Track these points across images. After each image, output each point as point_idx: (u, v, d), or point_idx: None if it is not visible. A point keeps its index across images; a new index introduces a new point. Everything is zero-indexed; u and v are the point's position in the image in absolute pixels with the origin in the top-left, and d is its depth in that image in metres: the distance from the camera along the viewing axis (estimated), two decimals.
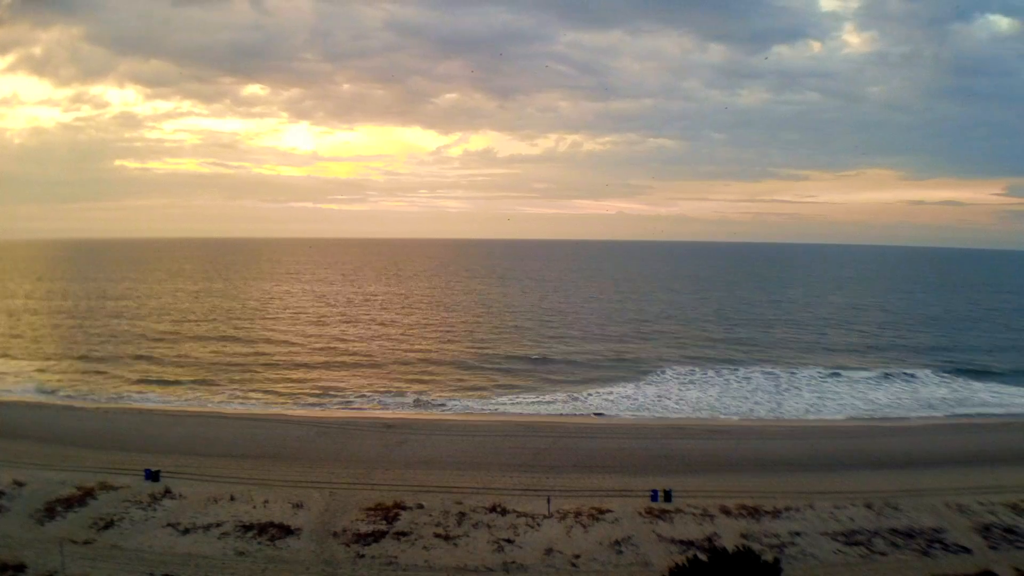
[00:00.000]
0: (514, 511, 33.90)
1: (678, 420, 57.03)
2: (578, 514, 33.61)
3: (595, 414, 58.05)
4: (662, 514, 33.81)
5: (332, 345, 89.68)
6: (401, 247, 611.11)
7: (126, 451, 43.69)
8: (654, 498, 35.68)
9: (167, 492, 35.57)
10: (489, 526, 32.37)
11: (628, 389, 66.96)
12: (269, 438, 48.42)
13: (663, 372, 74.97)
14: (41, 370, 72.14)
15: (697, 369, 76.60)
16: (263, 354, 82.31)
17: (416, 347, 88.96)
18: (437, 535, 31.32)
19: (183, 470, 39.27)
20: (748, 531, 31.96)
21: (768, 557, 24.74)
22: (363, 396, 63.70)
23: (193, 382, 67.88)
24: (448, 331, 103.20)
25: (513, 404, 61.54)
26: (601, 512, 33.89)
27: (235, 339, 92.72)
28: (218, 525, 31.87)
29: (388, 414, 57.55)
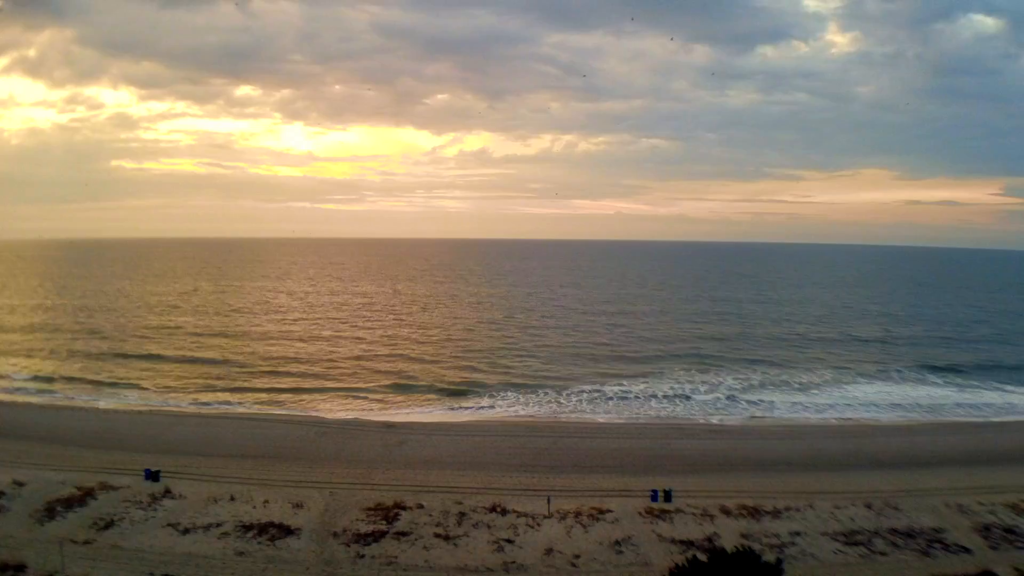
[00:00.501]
0: (514, 511, 33.90)
1: (678, 420, 57.06)
2: (578, 514, 33.61)
3: None
4: (662, 514, 33.81)
5: (331, 345, 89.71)
6: (399, 247, 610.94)
7: (126, 451, 43.69)
8: (654, 498, 35.68)
9: (167, 492, 35.57)
10: (489, 526, 32.37)
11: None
12: (269, 438, 48.43)
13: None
14: (40, 370, 72.09)
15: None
16: (263, 354, 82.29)
17: (415, 349, 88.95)
18: (437, 535, 31.32)
19: (183, 470, 39.27)
20: (748, 531, 31.96)
21: (768, 557, 24.74)
22: (363, 396, 63.69)
23: (193, 382, 67.83)
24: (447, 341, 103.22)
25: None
26: (601, 512, 33.89)
27: (235, 340, 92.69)
28: (218, 525, 31.86)
29: (388, 414, 57.58)
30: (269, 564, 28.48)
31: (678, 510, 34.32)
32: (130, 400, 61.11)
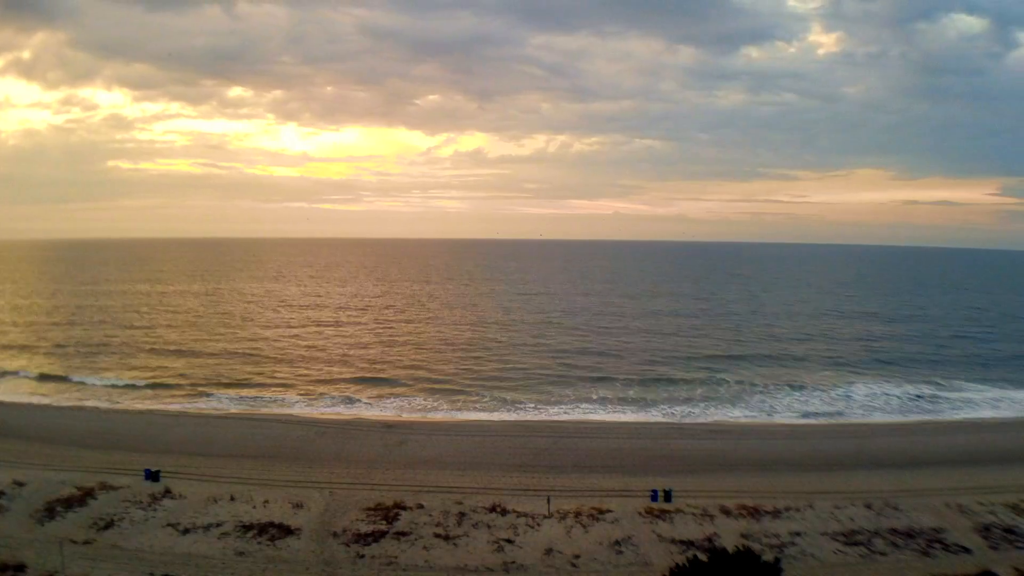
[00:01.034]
0: (514, 511, 33.90)
1: (678, 420, 57.04)
2: (578, 514, 33.62)
3: None
4: (662, 514, 33.81)
5: (332, 345, 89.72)
6: (402, 248, 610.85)
7: (126, 451, 43.71)
8: (654, 498, 35.69)
9: (167, 492, 35.58)
10: (489, 526, 32.37)
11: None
12: (269, 438, 48.44)
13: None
14: (41, 370, 72.09)
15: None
16: (262, 354, 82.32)
17: (417, 352, 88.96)
18: (437, 535, 31.32)
19: (183, 470, 39.28)
20: (748, 531, 31.97)
21: (768, 557, 24.74)
22: (360, 396, 63.68)
23: (193, 382, 67.84)
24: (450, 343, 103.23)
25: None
26: (601, 512, 33.89)
27: (235, 339, 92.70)
28: (218, 525, 31.87)
29: (388, 415, 57.59)
30: (269, 564, 28.47)
31: (678, 510, 34.32)
32: (130, 400, 61.09)
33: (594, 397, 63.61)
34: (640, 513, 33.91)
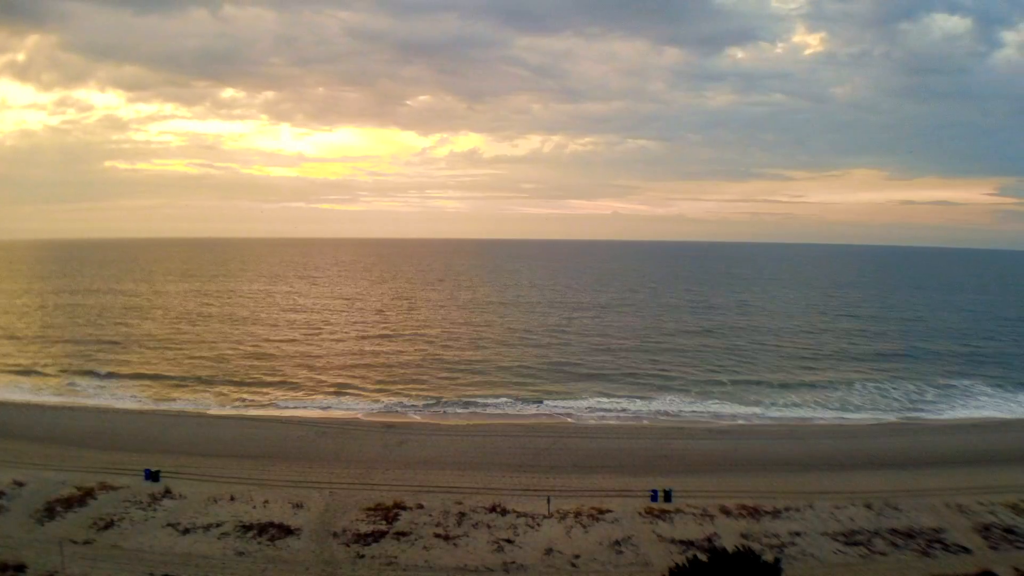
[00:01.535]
0: (514, 511, 33.90)
1: (678, 420, 57.03)
2: (578, 514, 33.62)
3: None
4: (662, 514, 33.81)
5: (332, 345, 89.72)
6: (397, 248, 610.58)
7: (126, 451, 43.72)
8: (654, 498, 35.69)
9: (167, 492, 35.58)
10: (489, 526, 32.37)
11: None
12: (269, 438, 48.44)
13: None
14: (40, 370, 72.12)
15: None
16: (263, 354, 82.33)
17: (416, 351, 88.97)
18: (437, 535, 31.33)
19: (183, 470, 39.28)
20: (748, 531, 31.97)
21: (768, 557, 24.73)
22: (360, 396, 63.68)
23: (193, 382, 67.86)
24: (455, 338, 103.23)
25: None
26: (601, 512, 33.89)
27: (235, 339, 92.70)
28: (218, 525, 31.87)
29: (388, 415, 57.58)
30: (269, 564, 28.47)
31: (678, 510, 34.32)
32: (129, 400, 61.11)
33: (594, 397, 63.64)
34: (640, 513, 33.91)
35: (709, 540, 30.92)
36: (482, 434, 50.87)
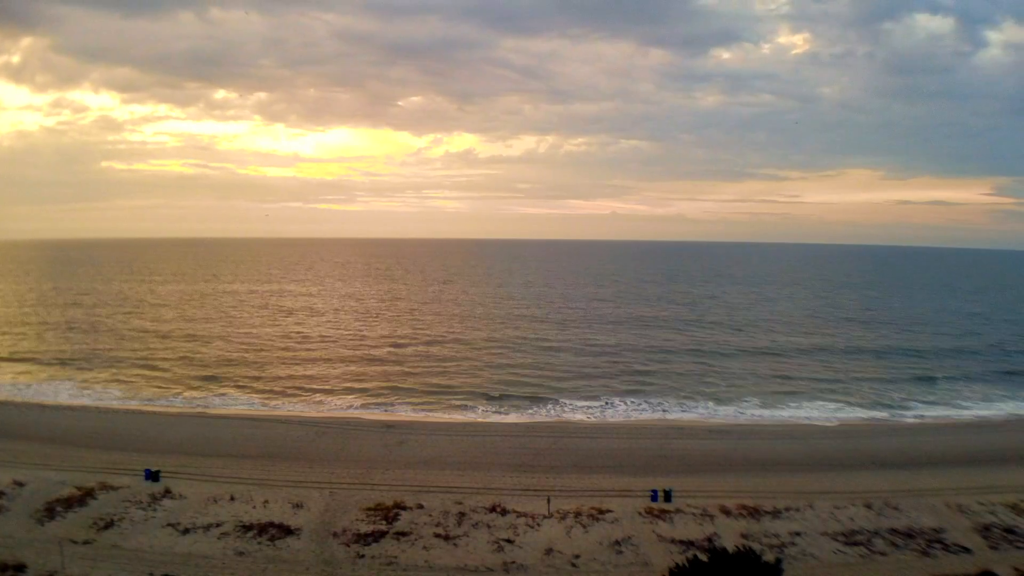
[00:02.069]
0: (514, 511, 33.90)
1: (678, 420, 57.02)
2: (578, 514, 33.61)
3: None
4: (662, 514, 33.81)
5: (332, 345, 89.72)
6: (396, 248, 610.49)
7: (126, 451, 43.71)
8: (654, 498, 35.69)
9: (167, 492, 35.57)
10: (489, 526, 32.37)
11: None
12: (269, 438, 48.43)
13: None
14: (40, 370, 72.14)
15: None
16: (262, 354, 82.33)
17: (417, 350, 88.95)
18: (437, 535, 31.33)
19: (183, 470, 39.27)
20: (748, 531, 31.97)
21: (768, 557, 24.73)
22: (360, 396, 63.67)
23: (193, 381, 67.86)
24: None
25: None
26: (601, 512, 33.89)
27: (235, 339, 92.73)
28: (218, 525, 31.87)
29: (388, 415, 57.59)
30: (269, 564, 28.48)
31: (678, 510, 34.32)
32: (129, 400, 61.08)
33: (593, 396, 63.63)
34: (640, 513, 33.90)
35: (709, 540, 30.92)
36: (482, 434, 50.87)
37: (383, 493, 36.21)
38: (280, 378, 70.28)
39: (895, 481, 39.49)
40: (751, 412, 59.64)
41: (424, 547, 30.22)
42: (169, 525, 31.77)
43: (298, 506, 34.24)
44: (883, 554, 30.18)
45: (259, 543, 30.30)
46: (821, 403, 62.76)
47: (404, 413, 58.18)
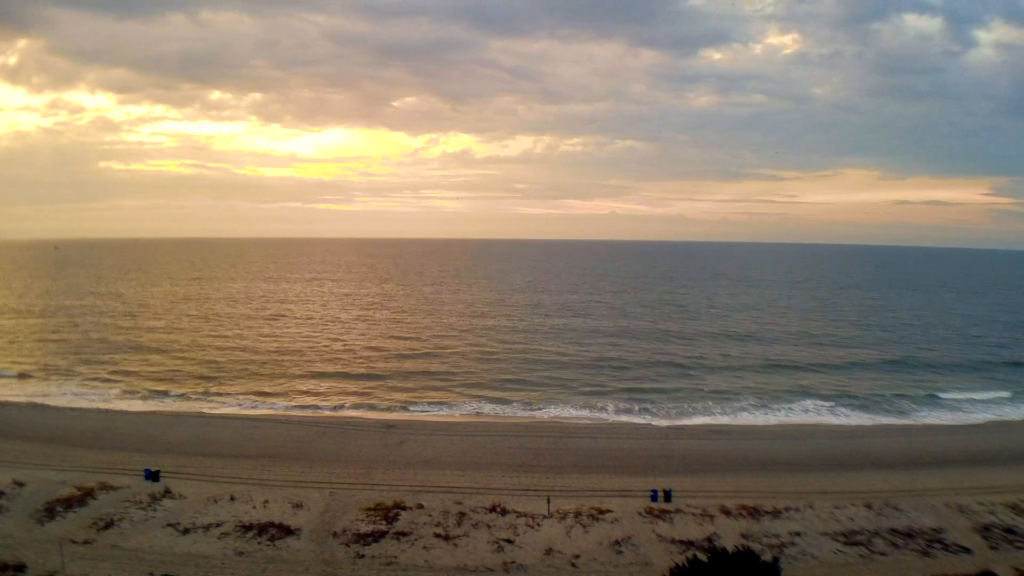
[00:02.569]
0: (514, 511, 33.90)
1: (678, 420, 56.98)
2: (578, 514, 33.62)
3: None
4: (662, 514, 33.81)
5: (332, 345, 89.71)
6: (394, 248, 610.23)
7: (126, 451, 43.72)
8: (654, 498, 35.70)
9: (167, 492, 35.58)
10: (489, 526, 32.37)
11: None
12: (269, 438, 48.43)
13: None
14: (40, 370, 72.13)
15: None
16: (262, 354, 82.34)
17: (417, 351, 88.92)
18: (437, 535, 31.33)
19: (183, 470, 39.28)
20: (748, 531, 31.98)
21: (768, 557, 24.74)
22: (360, 396, 63.67)
23: (193, 382, 67.86)
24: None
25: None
26: (601, 512, 33.89)
27: (235, 339, 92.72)
28: (218, 525, 31.87)
29: (388, 415, 57.58)
30: (269, 564, 28.48)
31: (678, 510, 34.33)
32: (129, 400, 61.06)
33: (593, 397, 63.63)
34: (640, 513, 33.91)
35: (709, 540, 30.93)
36: (482, 434, 50.87)
37: (383, 493, 36.22)
38: (280, 378, 70.26)
39: (895, 481, 39.50)
40: (751, 412, 59.65)
41: (424, 547, 30.23)
42: (169, 525, 31.77)
43: (298, 506, 34.24)
44: (883, 554, 30.18)
45: (259, 543, 30.30)
46: (821, 403, 62.73)
47: (404, 413, 58.18)
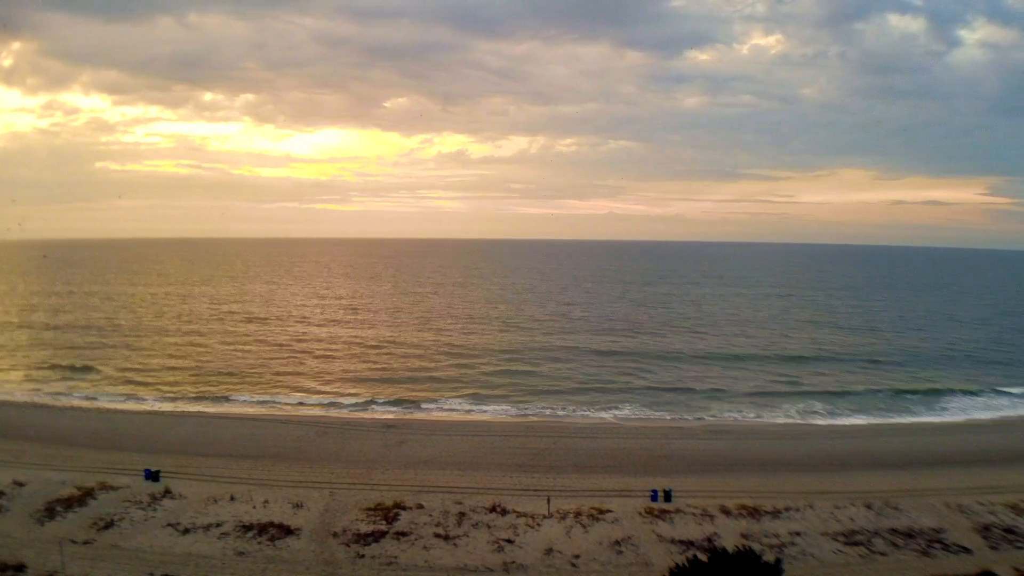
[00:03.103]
0: (514, 511, 33.90)
1: (678, 420, 57.02)
2: (578, 514, 33.61)
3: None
4: (662, 514, 33.81)
5: (332, 345, 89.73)
6: (393, 248, 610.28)
7: (126, 451, 43.70)
8: (654, 498, 35.69)
9: (167, 492, 35.58)
10: (489, 526, 32.37)
11: None
12: (269, 438, 48.44)
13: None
14: (40, 370, 72.14)
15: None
16: (261, 354, 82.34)
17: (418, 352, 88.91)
18: (437, 535, 31.32)
19: (183, 470, 39.28)
20: (748, 531, 31.97)
21: (768, 557, 24.73)
22: (360, 396, 63.68)
23: (193, 382, 67.88)
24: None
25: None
26: (601, 512, 33.89)
27: (234, 339, 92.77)
28: (218, 525, 31.86)
29: (388, 415, 57.58)
30: (269, 564, 28.47)
31: (678, 510, 34.32)
32: (129, 400, 61.07)
33: (592, 397, 63.65)
34: (640, 513, 33.90)
35: (709, 540, 30.92)
36: (482, 434, 50.87)
37: (383, 493, 36.21)
38: (280, 378, 70.29)
39: (895, 481, 39.49)
40: (751, 412, 59.65)
41: (424, 547, 30.22)
42: (169, 525, 31.76)
43: (298, 506, 34.24)
44: (883, 554, 30.18)
45: (259, 543, 30.29)
46: (821, 403, 62.74)
47: (404, 413, 58.16)
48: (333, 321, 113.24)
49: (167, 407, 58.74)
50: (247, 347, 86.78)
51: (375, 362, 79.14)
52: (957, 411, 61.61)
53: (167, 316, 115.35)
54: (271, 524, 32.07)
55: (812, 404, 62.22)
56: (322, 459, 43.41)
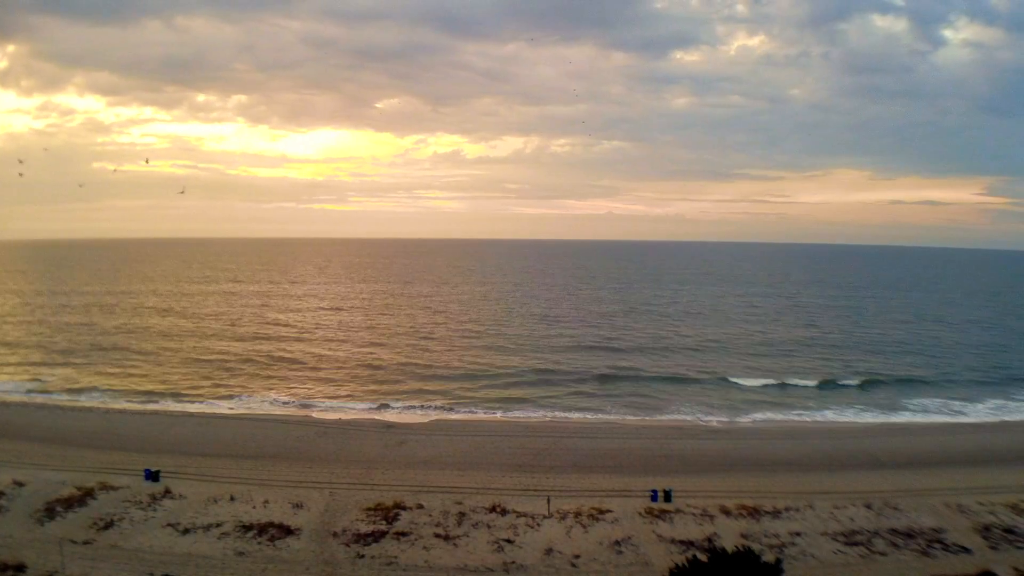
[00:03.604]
0: (514, 511, 33.90)
1: (678, 420, 57.02)
2: (578, 514, 33.61)
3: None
4: (662, 514, 33.81)
5: (332, 345, 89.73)
6: (393, 248, 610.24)
7: (126, 451, 43.73)
8: (654, 498, 35.69)
9: (167, 492, 35.58)
10: (489, 526, 32.37)
11: None
12: (269, 438, 48.44)
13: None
14: (40, 370, 72.12)
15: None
16: (261, 354, 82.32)
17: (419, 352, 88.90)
18: (437, 535, 31.32)
19: (183, 470, 39.29)
20: (748, 531, 31.97)
21: (768, 557, 24.73)
22: (360, 396, 63.68)
23: (193, 382, 67.86)
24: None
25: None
26: (601, 512, 33.89)
27: (234, 339, 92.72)
28: (218, 525, 31.86)
29: (388, 415, 57.58)
30: (269, 564, 28.47)
31: (678, 510, 34.32)
32: (129, 400, 61.06)
33: (592, 397, 63.63)
34: (640, 513, 33.90)
35: (709, 540, 30.92)
36: (482, 434, 50.87)
37: (383, 493, 36.21)
38: (281, 378, 70.32)
39: (895, 481, 39.51)
40: (751, 412, 59.62)
41: (424, 547, 30.22)
42: (169, 525, 31.77)
43: (298, 506, 34.24)
44: (883, 554, 30.18)
45: (259, 543, 30.30)
46: (821, 403, 62.77)
47: (404, 413, 58.16)
48: (334, 321, 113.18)
49: (167, 407, 58.74)
50: (248, 347, 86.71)
51: (375, 362, 79.10)
52: (957, 411, 61.61)
53: (167, 316, 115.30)
54: (271, 524, 32.07)
55: (812, 403, 62.31)
56: (322, 459, 43.41)
